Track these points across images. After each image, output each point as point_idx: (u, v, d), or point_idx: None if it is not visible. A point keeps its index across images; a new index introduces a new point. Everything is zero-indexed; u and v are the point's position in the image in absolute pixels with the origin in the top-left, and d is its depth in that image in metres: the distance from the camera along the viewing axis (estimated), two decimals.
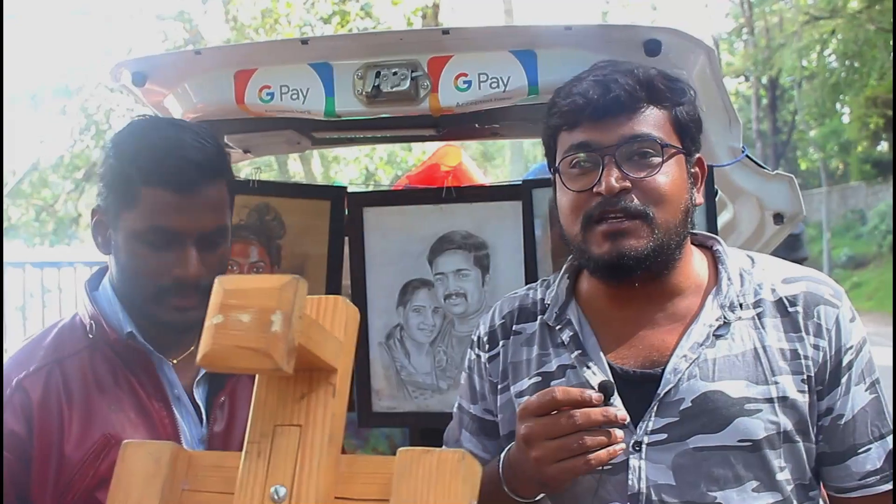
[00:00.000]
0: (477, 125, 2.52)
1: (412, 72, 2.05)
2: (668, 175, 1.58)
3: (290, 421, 1.08)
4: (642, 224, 1.55)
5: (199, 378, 1.81)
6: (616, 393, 1.56)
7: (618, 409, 1.49)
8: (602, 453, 1.44)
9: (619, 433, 1.46)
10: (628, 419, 1.53)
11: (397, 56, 2.07)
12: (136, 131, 1.75)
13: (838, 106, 33.31)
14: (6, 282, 5.88)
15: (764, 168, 2.46)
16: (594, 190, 1.56)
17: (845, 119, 33.05)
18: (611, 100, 1.56)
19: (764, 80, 36.09)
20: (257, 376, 1.12)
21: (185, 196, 1.67)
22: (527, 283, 2.36)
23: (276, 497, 1.05)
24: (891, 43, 25.89)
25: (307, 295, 1.02)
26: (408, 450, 1.05)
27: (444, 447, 1.90)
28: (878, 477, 1.58)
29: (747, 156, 2.35)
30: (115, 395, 1.70)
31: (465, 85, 2.05)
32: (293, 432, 1.07)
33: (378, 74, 2.07)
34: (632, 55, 1.93)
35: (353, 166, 15.29)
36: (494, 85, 2.04)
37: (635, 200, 1.55)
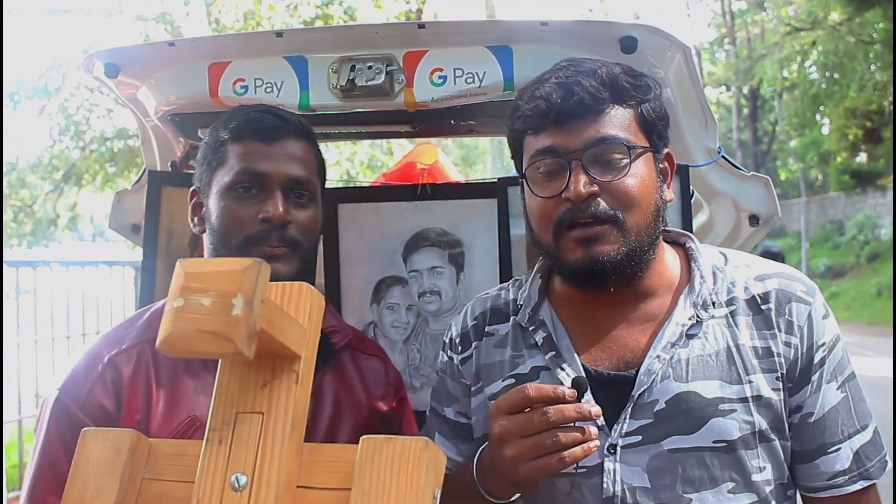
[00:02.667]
0: (453, 122, 2.50)
1: (387, 66, 2.04)
2: (636, 176, 1.55)
3: (252, 408, 1.07)
4: (612, 228, 1.53)
5: None
6: (590, 394, 1.54)
7: (592, 404, 1.46)
8: (577, 450, 1.41)
9: (593, 430, 1.43)
10: (601, 414, 1.51)
11: (372, 50, 2.06)
12: (228, 112, 1.87)
13: (818, 117, 33.65)
14: None
15: (740, 169, 2.46)
16: (563, 196, 1.54)
17: (825, 130, 33.37)
18: (575, 103, 1.53)
19: (745, 90, 36.41)
20: (220, 363, 1.10)
21: (270, 144, 1.76)
22: (501, 281, 2.36)
23: (236, 485, 1.03)
24: (870, 55, 26.15)
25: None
26: (370, 438, 1.03)
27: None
28: (847, 477, 1.57)
29: (723, 156, 2.34)
30: (203, 378, 1.70)
31: (441, 80, 2.04)
32: (255, 420, 1.06)
33: (353, 68, 2.06)
34: (608, 52, 1.92)
35: (334, 170, 15.24)
36: (470, 80, 2.03)
37: (603, 204, 1.53)
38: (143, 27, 16.14)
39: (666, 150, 1.66)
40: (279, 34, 2.07)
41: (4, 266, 6.07)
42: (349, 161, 14.05)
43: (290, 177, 1.75)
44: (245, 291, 0.94)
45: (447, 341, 1.83)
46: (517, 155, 1.68)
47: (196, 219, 1.85)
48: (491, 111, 2.30)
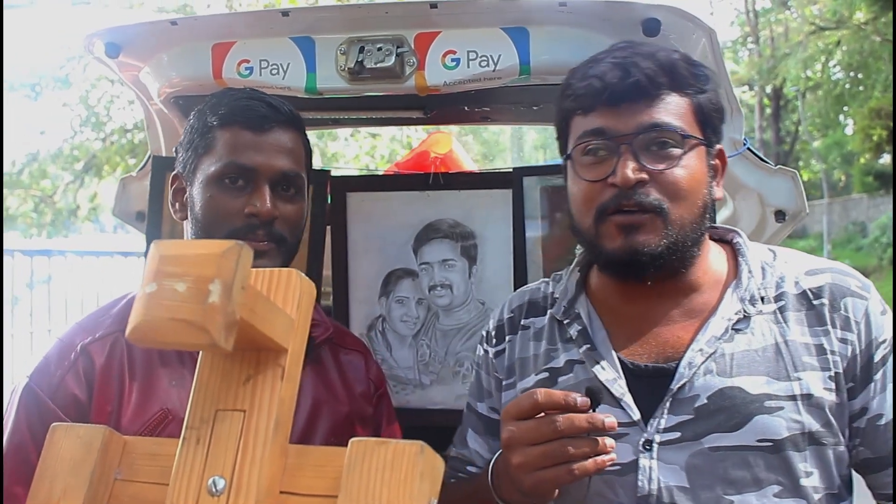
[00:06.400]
0: (466, 108, 2.41)
1: (398, 47, 1.95)
2: (687, 168, 1.47)
3: (233, 406, 0.97)
4: (656, 219, 1.45)
5: None
6: (626, 387, 1.47)
7: (606, 415, 1.35)
8: (588, 463, 1.32)
9: (609, 442, 1.34)
10: (616, 427, 1.40)
11: (382, 31, 1.96)
12: (214, 95, 1.81)
13: (842, 117, 33.40)
14: None
15: (766, 162, 2.35)
16: (608, 181, 1.46)
17: (848, 130, 33.12)
18: (630, 84, 1.45)
19: (768, 89, 36.15)
20: (200, 355, 1.01)
21: (259, 134, 1.70)
22: (515, 275, 2.27)
23: (213, 490, 0.94)
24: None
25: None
26: (360, 440, 0.94)
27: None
28: None
29: (749, 148, 2.24)
30: (178, 370, 1.65)
31: (454, 63, 1.95)
32: (236, 418, 0.97)
33: (362, 50, 1.96)
34: (629, 34, 1.82)
35: (352, 164, 15.14)
36: (484, 63, 1.93)
37: (652, 194, 1.45)
38: (164, 18, 16.20)
39: (719, 147, 1.58)
40: (285, 13, 1.98)
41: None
42: (369, 155, 14.03)
43: (279, 170, 1.70)
44: (223, 277, 0.85)
45: (484, 334, 1.77)
46: (563, 136, 1.60)
47: (177, 205, 1.79)
48: (506, 97, 2.20)
